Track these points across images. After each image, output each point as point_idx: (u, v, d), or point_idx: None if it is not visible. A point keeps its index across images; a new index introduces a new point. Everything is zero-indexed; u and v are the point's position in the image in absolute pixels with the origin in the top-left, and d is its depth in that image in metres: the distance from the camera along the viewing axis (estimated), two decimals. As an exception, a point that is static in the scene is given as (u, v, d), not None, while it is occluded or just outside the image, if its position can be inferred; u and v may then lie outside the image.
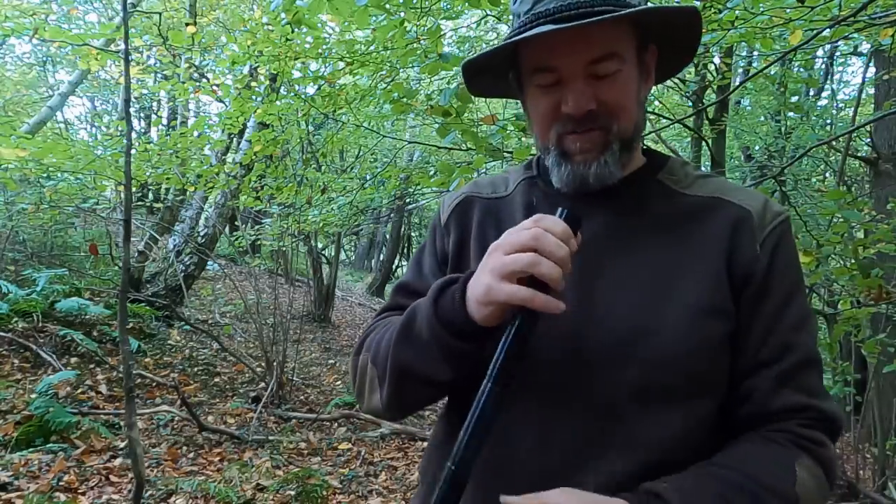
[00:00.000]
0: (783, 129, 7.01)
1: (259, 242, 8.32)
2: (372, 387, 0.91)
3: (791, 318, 0.84)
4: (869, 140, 5.33)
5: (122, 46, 2.74)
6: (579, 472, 0.81)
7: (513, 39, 0.82)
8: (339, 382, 6.51)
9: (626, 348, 0.81)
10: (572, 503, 0.70)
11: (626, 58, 0.84)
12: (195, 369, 5.78)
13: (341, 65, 3.90)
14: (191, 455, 4.01)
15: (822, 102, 8.37)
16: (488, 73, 0.94)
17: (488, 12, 3.31)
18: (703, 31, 2.71)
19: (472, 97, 2.81)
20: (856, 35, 3.20)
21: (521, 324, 0.73)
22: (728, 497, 0.74)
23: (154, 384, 4.96)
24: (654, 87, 1.00)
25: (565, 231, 0.73)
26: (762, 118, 8.32)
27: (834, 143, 5.26)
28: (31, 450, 3.51)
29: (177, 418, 4.45)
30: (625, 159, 0.88)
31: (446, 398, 0.97)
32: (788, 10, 2.53)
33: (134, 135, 5.85)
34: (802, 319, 0.85)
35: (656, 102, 5.51)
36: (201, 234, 7.34)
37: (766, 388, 0.81)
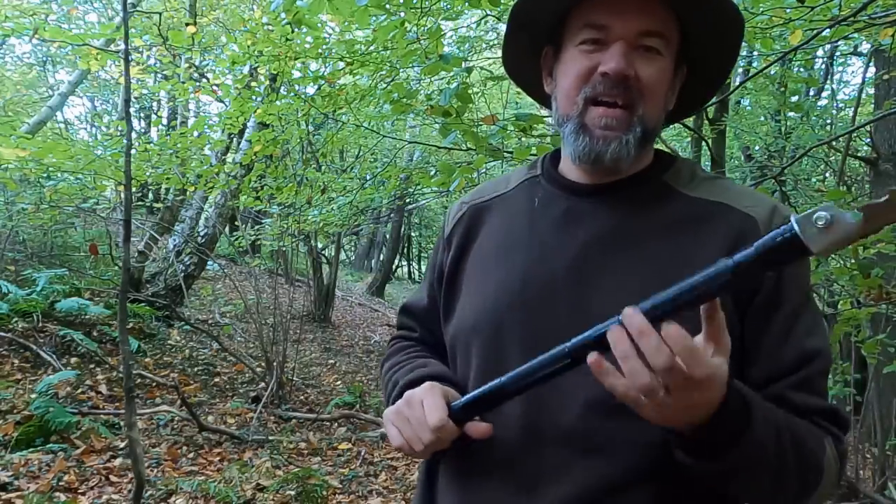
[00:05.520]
0: (783, 129, 7.00)
1: (259, 242, 8.32)
2: None
3: (805, 324, 0.83)
4: (869, 140, 5.33)
5: (122, 46, 2.74)
6: (565, 472, 0.81)
7: None
8: (339, 382, 6.51)
9: None
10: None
11: (668, 50, 0.86)
12: (195, 369, 5.78)
13: (341, 65, 3.89)
14: (191, 455, 4.01)
15: (822, 102, 8.37)
16: (528, 32, 0.93)
17: (488, 12, 3.31)
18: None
19: (472, 99, 2.82)
20: (856, 35, 3.20)
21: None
22: (781, 429, 0.74)
23: (154, 384, 4.96)
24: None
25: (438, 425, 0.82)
26: (762, 118, 8.31)
27: (834, 143, 5.25)
28: (31, 450, 3.51)
29: (177, 418, 4.45)
30: (640, 151, 0.87)
31: None
32: (788, 10, 2.53)
33: (134, 135, 5.84)
34: (815, 324, 0.84)
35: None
36: (201, 234, 7.34)
37: (789, 395, 0.81)
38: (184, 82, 5.02)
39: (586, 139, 0.85)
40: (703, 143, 4.80)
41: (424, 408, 0.83)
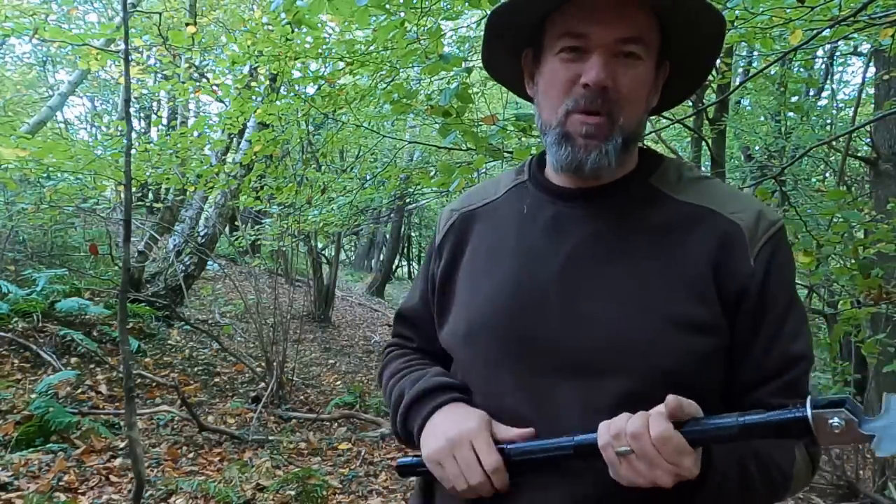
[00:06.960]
0: (783, 129, 7.00)
1: (259, 242, 8.33)
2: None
3: (790, 328, 0.84)
4: (869, 140, 5.33)
5: (122, 46, 2.74)
6: (570, 475, 0.81)
7: None
8: (339, 382, 6.51)
9: (609, 360, 0.81)
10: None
11: (649, 54, 0.85)
12: (195, 369, 5.78)
13: (341, 65, 3.90)
14: (191, 455, 4.01)
15: (822, 102, 8.37)
16: (509, 36, 0.92)
17: (488, 12, 3.31)
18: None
19: (472, 99, 2.82)
20: (856, 35, 3.20)
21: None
22: (745, 457, 0.79)
23: (154, 384, 4.96)
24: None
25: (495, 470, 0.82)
26: (762, 118, 8.31)
27: (834, 143, 5.26)
28: (31, 450, 3.51)
29: (177, 418, 4.45)
30: (622, 158, 0.87)
31: None
32: (788, 10, 2.53)
33: (134, 135, 5.84)
34: (799, 326, 0.85)
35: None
36: (201, 234, 7.34)
37: (769, 401, 0.81)
38: (184, 82, 5.02)
39: (568, 148, 0.85)
40: (703, 143, 4.80)
41: (476, 450, 0.83)
